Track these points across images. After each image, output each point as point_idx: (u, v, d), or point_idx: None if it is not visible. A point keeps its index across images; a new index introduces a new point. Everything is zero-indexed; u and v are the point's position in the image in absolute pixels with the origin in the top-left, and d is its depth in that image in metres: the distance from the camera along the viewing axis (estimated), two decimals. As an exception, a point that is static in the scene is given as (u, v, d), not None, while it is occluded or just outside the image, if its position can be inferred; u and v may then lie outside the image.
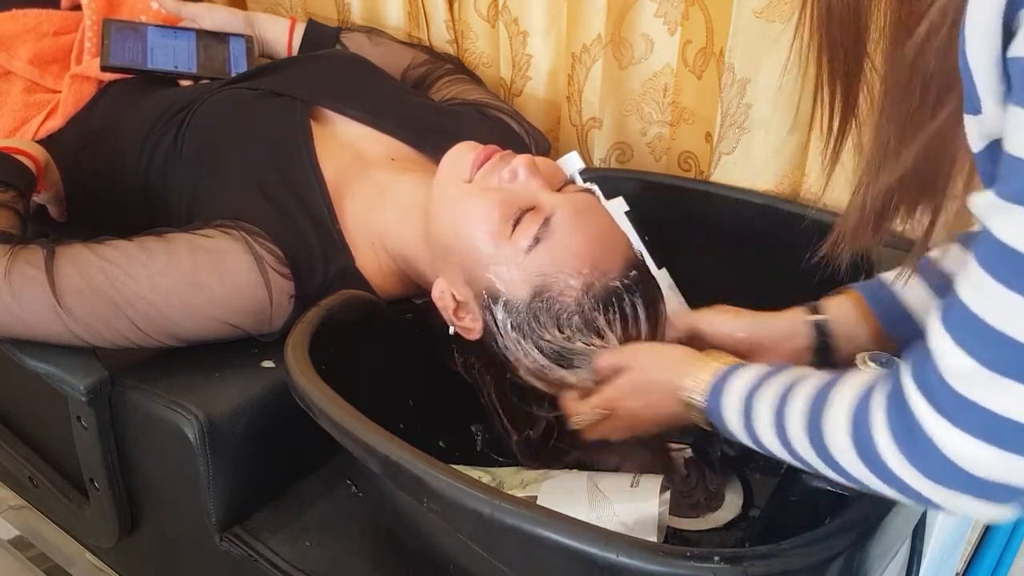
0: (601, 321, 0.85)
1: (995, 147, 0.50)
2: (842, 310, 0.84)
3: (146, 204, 1.07)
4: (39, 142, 1.13)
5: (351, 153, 1.06)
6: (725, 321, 0.87)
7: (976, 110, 0.50)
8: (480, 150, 0.90)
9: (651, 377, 0.81)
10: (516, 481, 0.87)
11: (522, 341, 0.86)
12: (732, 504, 0.91)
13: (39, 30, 1.26)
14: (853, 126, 0.62)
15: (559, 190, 0.89)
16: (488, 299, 0.86)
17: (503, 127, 1.19)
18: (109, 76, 1.20)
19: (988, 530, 1.37)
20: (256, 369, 0.92)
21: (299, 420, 0.78)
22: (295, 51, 1.32)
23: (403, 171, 1.03)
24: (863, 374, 0.61)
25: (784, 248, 1.04)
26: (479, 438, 1.01)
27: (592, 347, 0.85)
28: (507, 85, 1.38)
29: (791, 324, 0.85)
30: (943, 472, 0.53)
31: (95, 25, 1.24)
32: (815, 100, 0.63)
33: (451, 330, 0.91)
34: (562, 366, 0.86)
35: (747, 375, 0.72)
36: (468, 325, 0.89)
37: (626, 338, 0.86)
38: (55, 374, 0.88)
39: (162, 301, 0.88)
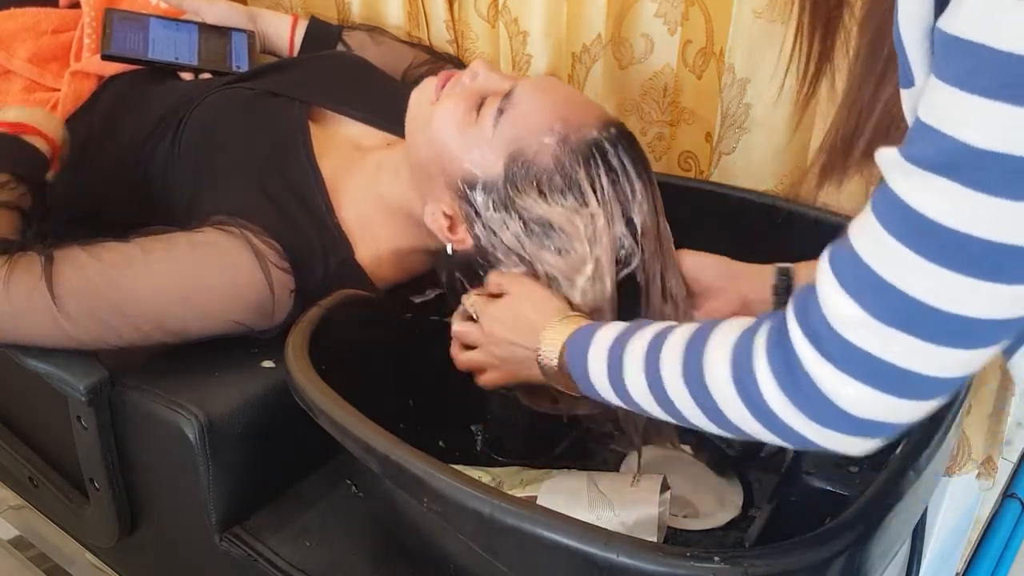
0: (582, 175, 0.83)
1: None
2: (809, 265, 0.84)
3: (146, 202, 1.07)
4: None
5: (349, 148, 1.06)
6: (698, 262, 0.89)
7: (910, 83, 0.51)
8: (441, 75, 0.91)
9: (522, 308, 0.81)
10: (516, 481, 0.87)
11: (504, 218, 0.85)
12: (732, 504, 0.91)
13: (38, 28, 1.26)
14: (827, 70, 0.64)
15: None
16: (465, 188, 0.86)
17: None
18: (110, 71, 1.20)
19: (988, 530, 1.37)
20: (256, 369, 0.92)
21: (299, 420, 0.78)
22: (297, 48, 1.32)
23: (395, 147, 1.04)
24: (743, 318, 0.62)
25: (784, 248, 1.04)
26: (479, 438, 1.01)
27: (573, 223, 0.83)
28: (507, 85, 1.38)
29: (758, 272, 0.87)
30: (824, 412, 0.54)
31: (94, 22, 1.24)
32: (794, 41, 0.64)
33: (448, 248, 0.91)
34: (543, 244, 0.84)
35: (610, 329, 0.71)
36: (462, 236, 0.89)
37: (619, 198, 0.84)
38: (55, 374, 0.88)
39: (164, 300, 0.88)
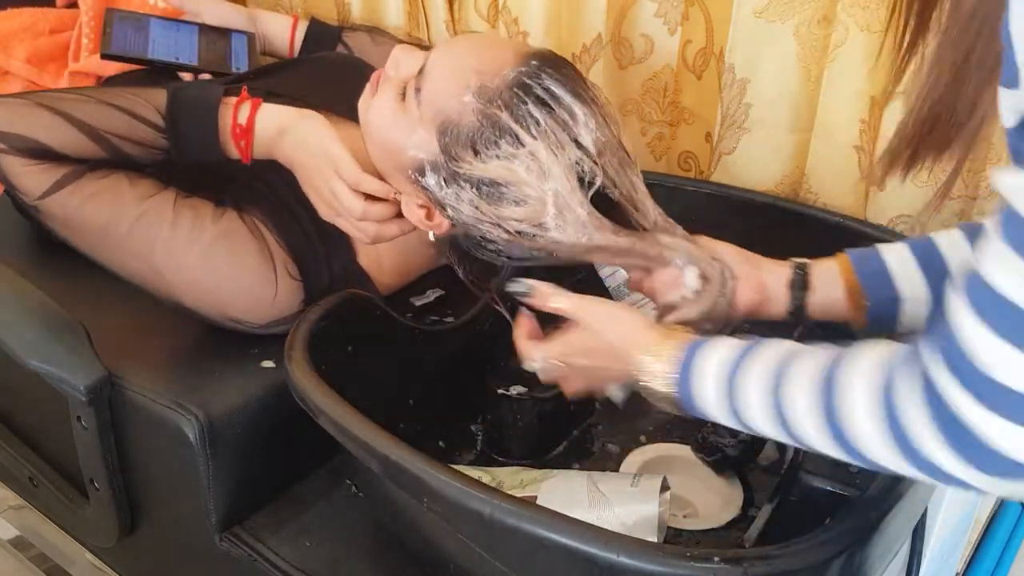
0: (507, 118, 0.80)
1: None
2: (824, 263, 0.83)
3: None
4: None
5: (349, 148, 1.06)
6: (723, 252, 0.86)
7: (1013, 83, 0.48)
8: (372, 75, 0.91)
9: (605, 342, 0.76)
10: (516, 481, 0.87)
11: (456, 192, 0.83)
12: (732, 504, 0.91)
13: (35, 29, 1.26)
14: (921, 45, 0.60)
15: None
16: (416, 176, 0.86)
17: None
18: (108, 71, 1.20)
19: (988, 530, 1.37)
20: (256, 369, 0.92)
21: (299, 420, 0.78)
22: (297, 49, 1.32)
23: None
24: (867, 352, 0.59)
25: (784, 248, 1.04)
26: (479, 438, 1.01)
27: (513, 170, 0.80)
28: (507, 85, 1.37)
29: (773, 264, 0.85)
30: (988, 460, 0.52)
31: (92, 21, 1.24)
32: (892, 12, 0.61)
33: (430, 235, 0.90)
34: (499, 203, 0.82)
35: (721, 351, 0.68)
36: (439, 221, 0.88)
37: (559, 125, 0.80)
38: (55, 374, 0.88)
39: (168, 270, 0.90)
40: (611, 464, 0.97)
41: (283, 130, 0.92)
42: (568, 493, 0.83)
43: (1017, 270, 0.48)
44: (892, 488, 0.69)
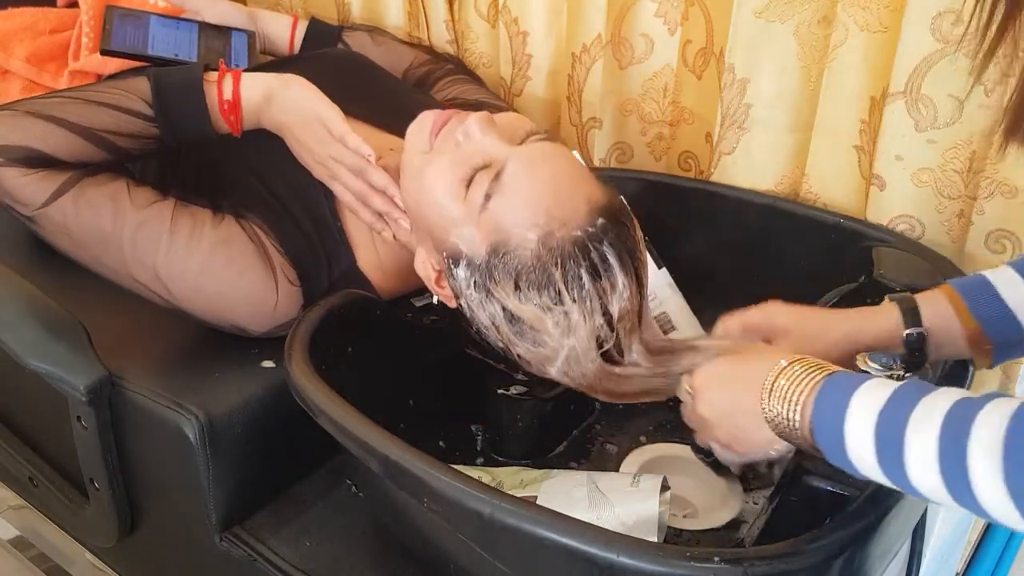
0: (558, 276, 0.80)
1: None
2: (935, 310, 0.77)
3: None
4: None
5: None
6: (808, 331, 0.79)
7: None
8: (436, 116, 0.88)
9: (724, 400, 0.72)
10: (516, 481, 0.87)
11: (483, 299, 0.83)
12: (732, 504, 0.91)
13: (35, 28, 1.26)
14: (1012, 30, 0.56)
15: (522, 143, 0.86)
16: (450, 260, 0.85)
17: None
18: (108, 70, 1.20)
19: (988, 530, 1.37)
20: (256, 369, 0.92)
21: (299, 420, 0.77)
22: (297, 49, 1.32)
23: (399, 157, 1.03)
24: None
25: (784, 248, 1.04)
26: (479, 438, 1.01)
27: (543, 320, 0.81)
28: (507, 85, 1.38)
29: (888, 332, 0.77)
30: None
31: (92, 20, 1.24)
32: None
33: (434, 299, 0.90)
34: (518, 332, 0.83)
35: (879, 391, 0.59)
36: (448, 293, 0.88)
37: (598, 293, 0.81)
38: (55, 374, 0.88)
39: (168, 278, 0.90)
40: (611, 464, 0.97)
41: (269, 96, 0.95)
42: (568, 493, 0.83)
43: None
44: (892, 488, 0.69)
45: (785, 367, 0.66)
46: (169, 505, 0.95)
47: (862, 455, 0.60)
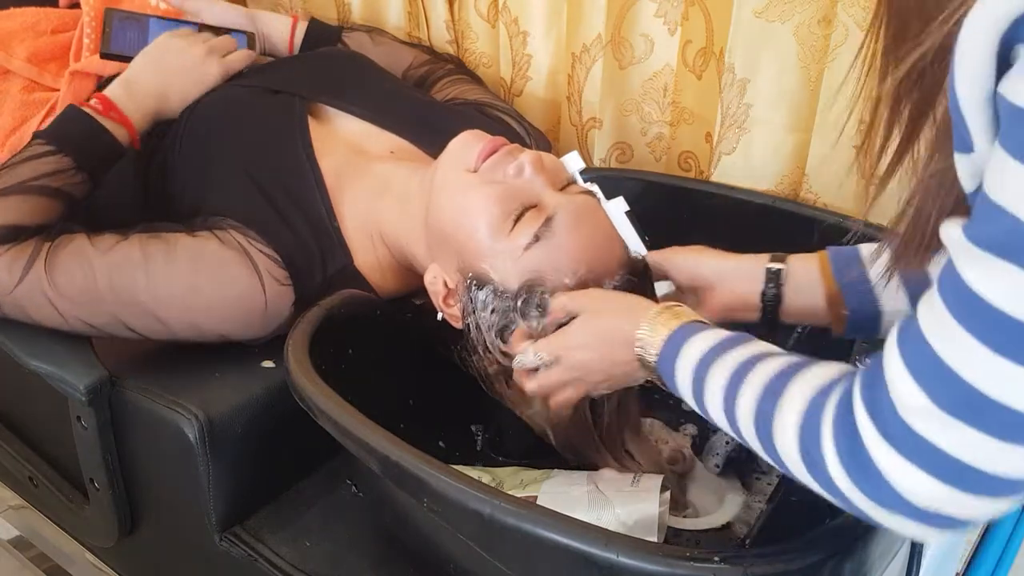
0: None
1: None
2: (804, 265, 0.83)
3: (146, 202, 1.07)
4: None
5: (350, 149, 1.05)
6: (687, 261, 0.88)
7: (968, 148, 0.48)
8: (488, 141, 0.89)
9: (604, 323, 0.78)
10: (516, 481, 0.87)
11: (498, 327, 0.86)
12: (732, 504, 0.91)
13: (37, 28, 1.26)
14: (911, 152, 0.58)
15: (562, 189, 0.88)
16: (473, 284, 0.86)
17: (504, 126, 1.19)
18: (108, 71, 1.20)
19: (988, 530, 1.37)
20: (256, 369, 0.92)
21: (299, 420, 0.78)
22: (297, 49, 1.31)
23: (402, 162, 1.04)
24: (822, 370, 0.59)
25: (784, 248, 1.03)
26: (479, 438, 1.01)
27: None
28: (507, 85, 1.38)
29: (750, 268, 0.85)
30: (886, 497, 0.52)
31: (93, 22, 1.24)
32: (871, 123, 0.60)
33: (439, 316, 0.91)
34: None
35: (704, 340, 0.69)
36: (456, 313, 0.89)
37: None
38: (55, 374, 0.88)
39: (157, 305, 0.89)
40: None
41: (126, 81, 1.06)
42: (568, 493, 0.83)
43: (938, 317, 0.48)
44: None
45: (653, 316, 0.74)
46: (169, 505, 0.95)
47: (685, 389, 0.69)
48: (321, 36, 1.31)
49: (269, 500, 0.92)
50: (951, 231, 0.48)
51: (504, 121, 1.20)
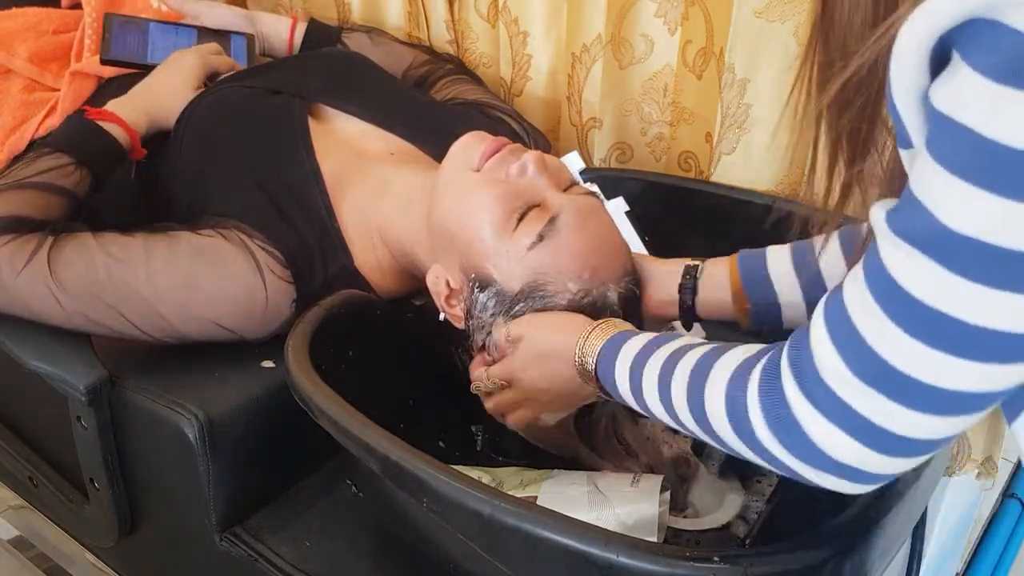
0: None
1: None
2: (716, 265, 0.88)
3: (147, 203, 1.07)
4: (38, 140, 1.14)
5: (350, 149, 1.05)
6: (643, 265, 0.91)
7: (908, 144, 0.50)
8: (491, 141, 0.89)
9: (547, 343, 0.81)
10: (516, 481, 0.87)
11: (496, 328, 0.86)
12: (732, 504, 0.91)
13: (39, 28, 1.26)
14: (860, 183, 0.61)
15: (565, 190, 0.88)
16: (476, 283, 0.86)
17: (504, 127, 1.19)
18: (109, 72, 1.20)
19: (988, 530, 1.37)
20: (256, 369, 0.92)
21: (299, 420, 0.78)
22: (296, 50, 1.32)
23: (403, 163, 1.04)
24: (746, 348, 0.63)
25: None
26: (479, 438, 1.01)
27: None
28: (507, 85, 1.38)
29: (674, 269, 0.89)
30: (810, 454, 0.56)
31: (95, 23, 1.24)
32: (814, 148, 0.61)
33: (440, 316, 0.91)
34: None
35: (637, 341, 0.73)
36: (458, 313, 0.89)
37: None
38: (55, 374, 0.88)
39: (159, 300, 0.89)
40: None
41: (130, 94, 1.08)
42: (568, 493, 0.83)
43: (860, 292, 0.52)
44: (892, 488, 0.69)
45: (588, 332, 0.77)
46: (169, 505, 0.95)
47: (625, 392, 0.73)
48: (320, 37, 1.31)
49: (269, 500, 0.92)
50: (878, 214, 0.51)
51: (504, 121, 1.20)
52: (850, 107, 0.54)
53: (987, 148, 0.43)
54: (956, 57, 0.44)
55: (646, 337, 0.73)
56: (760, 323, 0.86)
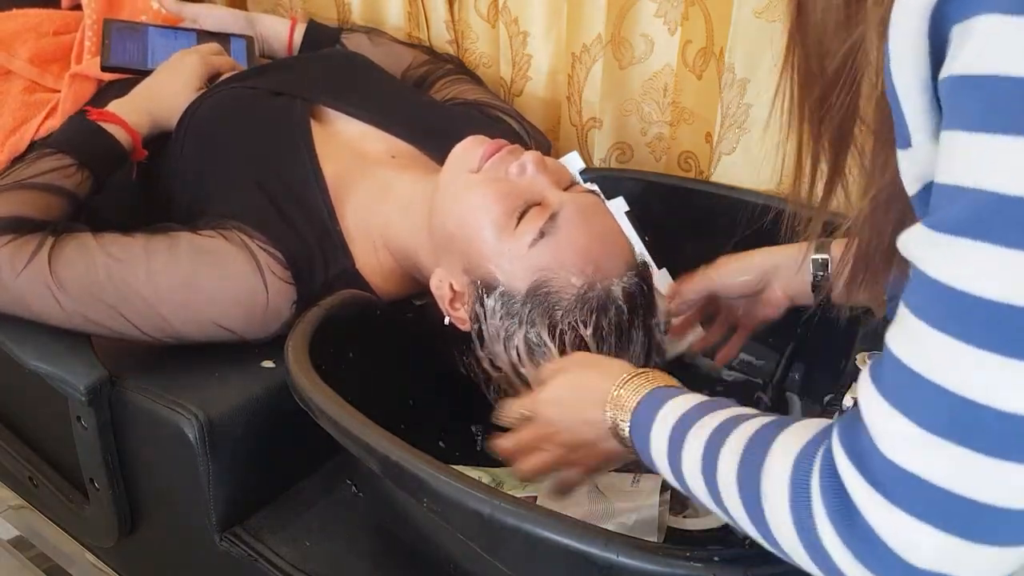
0: (589, 331, 0.84)
1: (931, 190, 0.45)
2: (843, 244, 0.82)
3: (148, 203, 1.07)
4: (38, 142, 1.14)
5: (351, 151, 1.05)
6: (732, 271, 0.90)
7: (906, 143, 0.46)
8: (490, 143, 0.90)
9: (578, 378, 0.73)
10: (516, 481, 0.87)
11: (509, 334, 0.86)
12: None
13: (39, 29, 1.26)
14: (840, 185, 0.59)
15: (565, 190, 0.88)
16: (482, 287, 0.86)
17: (504, 126, 1.19)
18: (109, 75, 1.20)
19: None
20: (256, 369, 0.92)
21: (299, 420, 0.78)
22: (296, 51, 1.32)
23: (404, 167, 1.04)
24: (804, 427, 0.52)
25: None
26: (479, 438, 1.01)
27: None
28: (507, 85, 1.38)
29: (796, 255, 0.87)
30: (884, 564, 0.45)
31: (95, 24, 1.24)
32: (798, 156, 0.60)
33: (446, 320, 0.91)
34: (531, 363, 0.86)
35: (681, 404, 0.62)
36: (462, 316, 0.89)
37: (618, 344, 0.85)
38: (55, 374, 0.88)
39: (159, 301, 0.89)
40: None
41: (132, 95, 1.08)
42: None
43: (909, 330, 0.44)
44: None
45: (626, 379, 0.68)
46: (169, 505, 0.95)
47: (660, 457, 0.62)
48: (320, 37, 1.31)
49: (269, 500, 0.92)
50: (907, 236, 0.45)
51: (504, 121, 1.20)
52: (830, 107, 0.52)
53: (1014, 88, 0.39)
54: (963, 24, 0.41)
55: (689, 399, 0.62)
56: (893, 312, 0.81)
